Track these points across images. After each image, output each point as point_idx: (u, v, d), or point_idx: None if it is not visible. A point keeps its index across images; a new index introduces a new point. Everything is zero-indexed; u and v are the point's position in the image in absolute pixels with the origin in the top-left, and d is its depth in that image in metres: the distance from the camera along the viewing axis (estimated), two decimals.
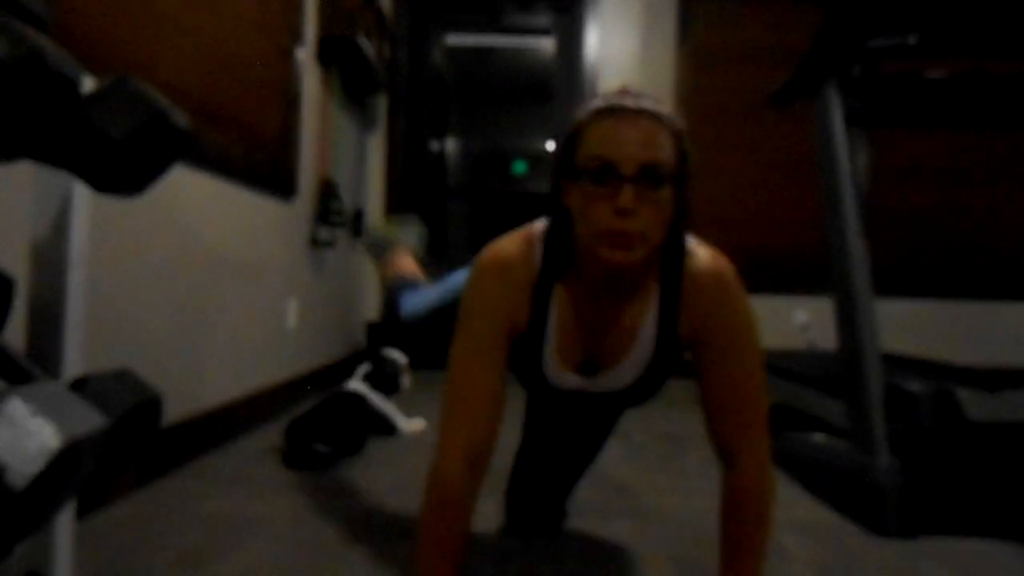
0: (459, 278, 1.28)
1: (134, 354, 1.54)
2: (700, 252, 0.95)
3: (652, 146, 0.82)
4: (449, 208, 4.61)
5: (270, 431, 2.16)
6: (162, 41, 1.62)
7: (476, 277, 0.96)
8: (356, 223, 3.46)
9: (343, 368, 3.24)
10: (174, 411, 1.70)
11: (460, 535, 0.88)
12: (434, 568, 0.87)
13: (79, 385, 0.74)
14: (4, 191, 1.14)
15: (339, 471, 1.78)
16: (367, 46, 2.97)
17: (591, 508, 1.53)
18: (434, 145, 4.12)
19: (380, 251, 1.76)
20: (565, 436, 1.32)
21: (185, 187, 1.76)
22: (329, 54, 2.87)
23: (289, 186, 2.48)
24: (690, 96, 3.78)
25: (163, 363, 1.66)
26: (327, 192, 2.88)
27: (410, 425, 2.25)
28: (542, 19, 3.92)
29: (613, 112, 0.84)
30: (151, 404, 0.80)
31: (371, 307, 3.79)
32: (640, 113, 0.83)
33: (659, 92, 3.77)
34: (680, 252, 0.94)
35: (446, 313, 1.25)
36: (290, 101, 2.48)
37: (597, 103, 0.87)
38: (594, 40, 3.78)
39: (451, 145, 5.47)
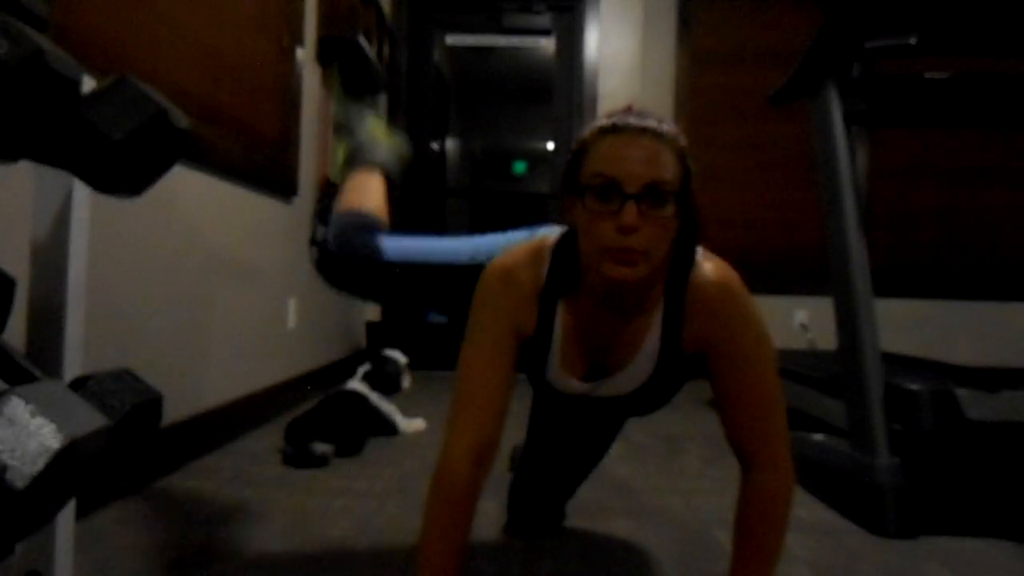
0: (458, 245, 1.21)
1: (134, 354, 1.54)
2: (706, 264, 0.96)
3: (655, 164, 0.83)
4: (449, 208, 4.61)
5: (270, 431, 2.16)
6: (162, 41, 1.62)
7: (484, 284, 0.98)
8: None
9: (343, 368, 3.24)
10: (174, 411, 1.70)
11: (464, 529, 0.90)
12: (438, 561, 0.88)
13: (79, 385, 0.74)
14: (4, 191, 1.14)
15: (339, 471, 1.78)
16: (367, 46, 2.97)
17: (591, 508, 1.53)
18: (434, 145, 4.12)
19: (357, 158, 1.47)
20: (568, 439, 1.32)
21: (185, 187, 1.76)
22: (329, 54, 2.87)
23: (289, 186, 2.48)
24: (690, 96, 3.78)
25: (163, 363, 1.66)
26: (327, 192, 2.88)
27: (410, 425, 2.24)
28: (542, 19, 3.92)
29: (617, 130, 0.86)
30: (151, 404, 0.80)
31: (371, 307, 3.79)
32: (644, 132, 0.85)
33: (659, 92, 3.77)
34: (687, 265, 0.96)
35: (433, 274, 1.20)
36: (290, 101, 2.48)
37: (602, 121, 0.89)
38: (594, 40, 3.78)
39: (451, 145, 5.47)
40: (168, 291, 1.69)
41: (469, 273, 1.04)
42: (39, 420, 0.56)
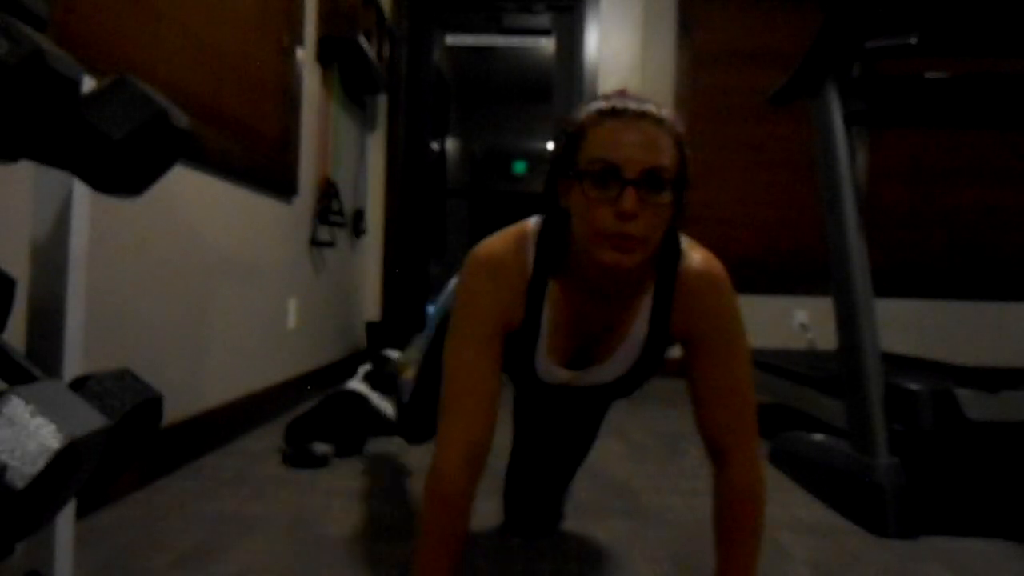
0: (430, 316, 1.30)
1: (134, 354, 1.54)
2: (694, 253, 0.97)
3: (655, 150, 0.82)
4: (449, 208, 4.61)
5: (270, 431, 2.16)
6: (162, 41, 1.62)
7: (469, 275, 0.96)
8: (356, 223, 3.46)
9: (343, 368, 3.24)
10: (174, 411, 1.70)
11: (460, 530, 0.90)
12: (434, 563, 0.88)
13: (79, 385, 0.74)
14: (4, 191, 1.14)
15: (339, 471, 1.78)
16: (367, 46, 2.97)
17: (591, 508, 1.53)
18: (434, 145, 4.12)
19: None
20: (553, 430, 1.32)
21: (185, 187, 1.76)
22: (329, 54, 2.87)
23: (289, 186, 2.48)
24: (690, 96, 3.78)
25: (163, 363, 1.66)
26: (327, 192, 2.88)
27: None
28: (542, 19, 3.92)
29: (616, 114, 0.84)
30: (151, 404, 0.80)
31: (371, 307, 3.79)
32: (643, 116, 0.84)
33: (659, 92, 3.77)
34: (675, 253, 0.95)
35: (424, 376, 1.29)
36: (290, 101, 2.48)
37: (599, 104, 0.87)
38: (594, 40, 3.78)
39: (451, 145, 5.47)
40: (168, 291, 1.69)
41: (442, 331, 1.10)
42: (39, 420, 0.56)
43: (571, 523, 1.44)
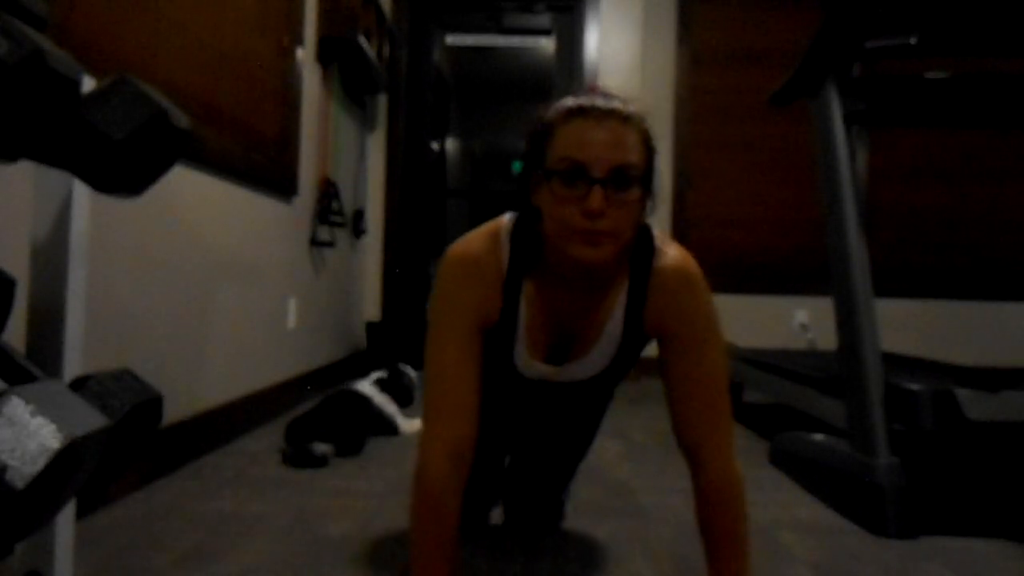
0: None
1: (134, 354, 1.54)
2: (668, 250, 0.98)
3: (622, 148, 0.84)
4: (449, 208, 4.61)
5: (270, 431, 2.16)
6: (162, 41, 1.62)
7: (445, 274, 0.97)
8: (356, 223, 3.46)
9: (343, 368, 3.24)
10: (174, 411, 1.70)
11: (449, 530, 0.90)
12: (428, 564, 0.88)
13: (79, 385, 0.74)
14: (4, 191, 1.14)
15: (339, 471, 1.78)
16: (367, 46, 2.97)
17: (591, 507, 1.53)
18: (434, 145, 4.12)
19: None
20: (541, 428, 1.31)
21: (185, 187, 1.76)
22: (329, 54, 2.87)
23: (289, 186, 2.48)
24: (689, 96, 3.78)
25: (163, 363, 1.66)
26: (327, 192, 2.88)
27: (410, 425, 2.25)
28: (542, 19, 3.92)
29: (583, 112, 0.86)
30: (151, 404, 0.80)
31: (371, 307, 3.79)
32: (610, 114, 0.85)
33: (659, 92, 3.77)
34: (648, 248, 0.96)
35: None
36: (290, 101, 2.48)
37: (568, 103, 0.88)
38: (594, 40, 3.78)
39: (451, 145, 5.46)
40: (168, 291, 1.69)
41: None
42: (39, 420, 0.56)
43: (571, 523, 1.44)
